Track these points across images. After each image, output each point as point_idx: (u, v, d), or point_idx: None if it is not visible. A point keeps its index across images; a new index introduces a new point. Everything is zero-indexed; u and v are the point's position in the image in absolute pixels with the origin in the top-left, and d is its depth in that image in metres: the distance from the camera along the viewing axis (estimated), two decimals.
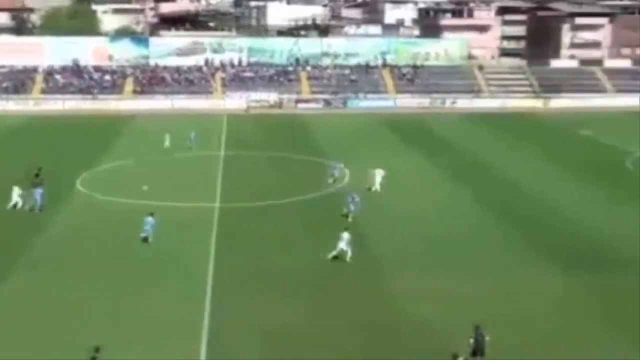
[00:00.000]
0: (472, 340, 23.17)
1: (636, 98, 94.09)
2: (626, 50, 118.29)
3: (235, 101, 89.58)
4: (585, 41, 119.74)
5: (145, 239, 35.56)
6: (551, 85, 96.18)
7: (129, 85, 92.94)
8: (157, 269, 32.24)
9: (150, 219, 35.79)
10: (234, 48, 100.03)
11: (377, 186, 46.54)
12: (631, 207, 43.45)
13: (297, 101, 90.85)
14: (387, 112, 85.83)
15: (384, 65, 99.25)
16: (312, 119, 79.83)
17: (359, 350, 24.89)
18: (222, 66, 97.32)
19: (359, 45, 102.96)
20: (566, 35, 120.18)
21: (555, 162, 56.53)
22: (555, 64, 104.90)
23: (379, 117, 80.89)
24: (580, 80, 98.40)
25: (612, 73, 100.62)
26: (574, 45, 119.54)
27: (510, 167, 54.38)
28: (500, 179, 50.76)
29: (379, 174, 46.99)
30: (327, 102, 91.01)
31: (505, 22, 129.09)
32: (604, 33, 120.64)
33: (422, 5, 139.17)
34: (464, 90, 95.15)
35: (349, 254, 33.14)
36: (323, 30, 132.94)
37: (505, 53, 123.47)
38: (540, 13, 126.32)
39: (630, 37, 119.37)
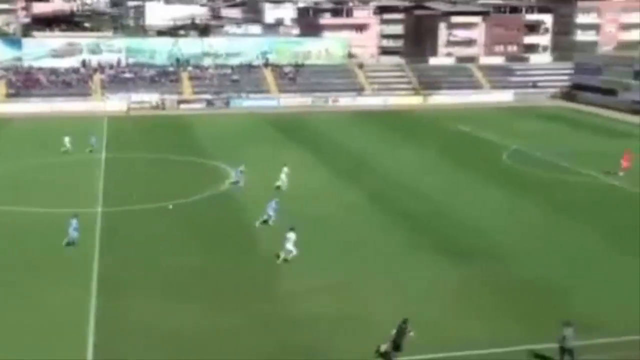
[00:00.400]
0: (394, 332, 23.65)
1: (510, 93, 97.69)
2: (499, 48, 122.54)
3: (116, 103, 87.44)
4: (461, 39, 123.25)
5: (70, 243, 34.70)
6: (430, 83, 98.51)
7: (1, 88, 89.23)
8: (40, 274, 31.17)
9: (74, 221, 35.00)
10: (112, 49, 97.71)
11: (280, 183, 46.61)
12: (510, 199, 44.96)
13: (180, 102, 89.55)
14: (270, 111, 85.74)
15: (266, 64, 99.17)
16: (195, 120, 78.79)
17: (254, 350, 24.71)
18: (101, 67, 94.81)
19: (240, 44, 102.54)
20: (443, 34, 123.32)
21: (437, 158, 57.82)
22: (433, 61, 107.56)
23: (262, 116, 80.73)
24: (457, 77, 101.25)
25: (487, 70, 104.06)
26: (450, 43, 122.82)
27: (395, 164, 55.23)
28: (386, 175, 51.42)
29: (283, 172, 47.09)
30: (210, 103, 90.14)
31: (384, 21, 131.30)
32: (478, 31, 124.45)
33: (301, 5, 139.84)
34: (346, 89, 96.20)
35: (293, 254, 32.93)
36: (203, 30, 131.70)
37: (384, 51, 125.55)
38: (417, 12, 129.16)
39: (502, 35, 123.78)
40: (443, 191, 46.81)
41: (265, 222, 38.42)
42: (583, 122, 77.48)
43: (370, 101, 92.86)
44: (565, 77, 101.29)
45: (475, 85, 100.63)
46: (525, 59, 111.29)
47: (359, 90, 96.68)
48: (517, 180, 50.28)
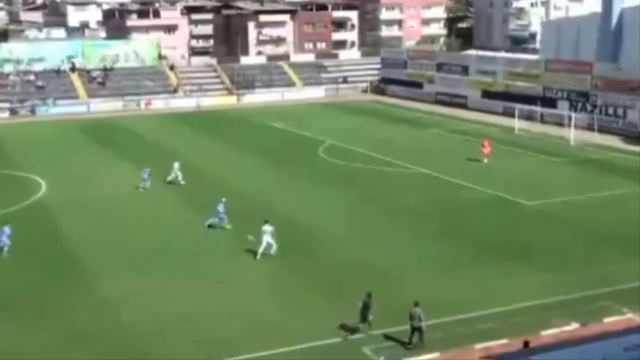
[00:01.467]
0: (360, 304, 25.01)
1: (321, 89, 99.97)
2: (308, 45, 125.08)
3: None
4: (271, 38, 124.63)
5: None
6: (243, 82, 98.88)
7: None
8: None
9: (7, 229, 34.80)
10: None
11: (171, 178, 47.70)
12: (330, 192, 46.03)
13: None
14: (81, 117, 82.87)
15: (73, 69, 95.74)
16: None
17: None
18: None
19: (43, 49, 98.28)
20: (252, 33, 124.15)
21: (255, 156, 58.13)
22: (244, 60, 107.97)
23: (72, 123, 77.92)
24: (269, 76, 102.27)
25: (298, 67, 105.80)
26: (261, 42, 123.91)
27: (213, 164, 55.10)
28: (204, 175, 51.16)
29: (174, 168, 47.94)
30: (13, 111, 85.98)
31: (193, 22, 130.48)
32: (287, 29, 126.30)
33: (106, 7, 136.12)
34: (158, 91, 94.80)
35: (274, 247, 32.88)
36: (2, 35, 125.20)
37: (195, 52, 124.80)
38: (226, 12, 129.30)
39: (311, 33, 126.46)
40: (263, 188, 47.21)
41: (210, 226, 37.96)
42: (392, 115, 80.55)
43: (184, 103, 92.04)
44: (374, 72, 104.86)
45: (287, 83, 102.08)
46: (335, 56, 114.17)
47: (172, 92, 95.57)
48: (334, 174, 51.53)
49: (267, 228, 33.34)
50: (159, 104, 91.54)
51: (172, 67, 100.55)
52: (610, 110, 68.55)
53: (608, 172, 50.90)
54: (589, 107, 69.93)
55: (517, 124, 67.31)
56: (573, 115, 63.73)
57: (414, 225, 38.61)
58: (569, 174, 50.88)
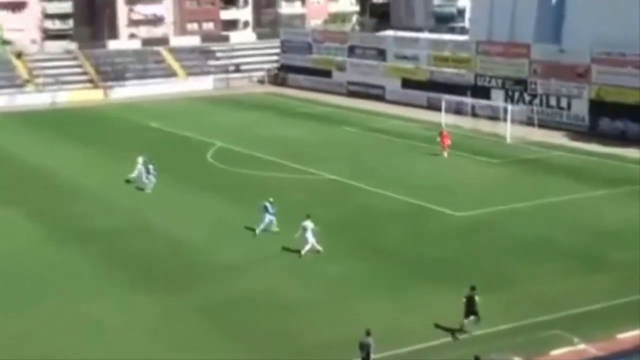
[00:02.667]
0: (464, 299, 27.73)
1: (209, 80, 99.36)
2: (192, 26, 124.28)
3: None
4: (146, 17, 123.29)
5: None
6: (112, 72, 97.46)
7: None
8: None
9: None
10: None
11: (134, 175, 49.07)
12: (219, 205, 45.70)
13: None
14: None
15: None
16: None
17: None
18: None
19: None
20: (123, 11, 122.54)
21: (128, 163, 57.05)
22: (113, 45, 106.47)
23: None
24: (145, 64, 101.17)
25: (180, 53, 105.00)
26: (133, 22, 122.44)
27: (73, 174, 54.05)
28: (62, 190, 50.38)
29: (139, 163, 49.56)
30: None
31: None
32: (166, 6, 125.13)
33: None
34: (1, 85, 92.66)
35: (308, 245, 35.58)
36: None
37: (50, 35, 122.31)
38: None
39: (195, 10, 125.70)
40: (139, 202, 46.57)
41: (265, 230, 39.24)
42: (295, 110, 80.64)
43: (35, 99, 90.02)
44: (272, 58, 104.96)
45: (167, 73, 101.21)
46: (225, 38, 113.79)
47: (20, 86, 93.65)
48: (227, 183, 51.36)
49: (308, 224, 35.42)
50: (3, 100, 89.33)
51: (19, 55, 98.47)
52: (553, 101, 70.07)
53: (551, 175, 52.02)
54: (527, 98, 71.31)
55: (444, 118, 68.20)
56: (509, 107, 64.90)
57: (327, 245, 38.37)
58: (505, 178, 51.83)
